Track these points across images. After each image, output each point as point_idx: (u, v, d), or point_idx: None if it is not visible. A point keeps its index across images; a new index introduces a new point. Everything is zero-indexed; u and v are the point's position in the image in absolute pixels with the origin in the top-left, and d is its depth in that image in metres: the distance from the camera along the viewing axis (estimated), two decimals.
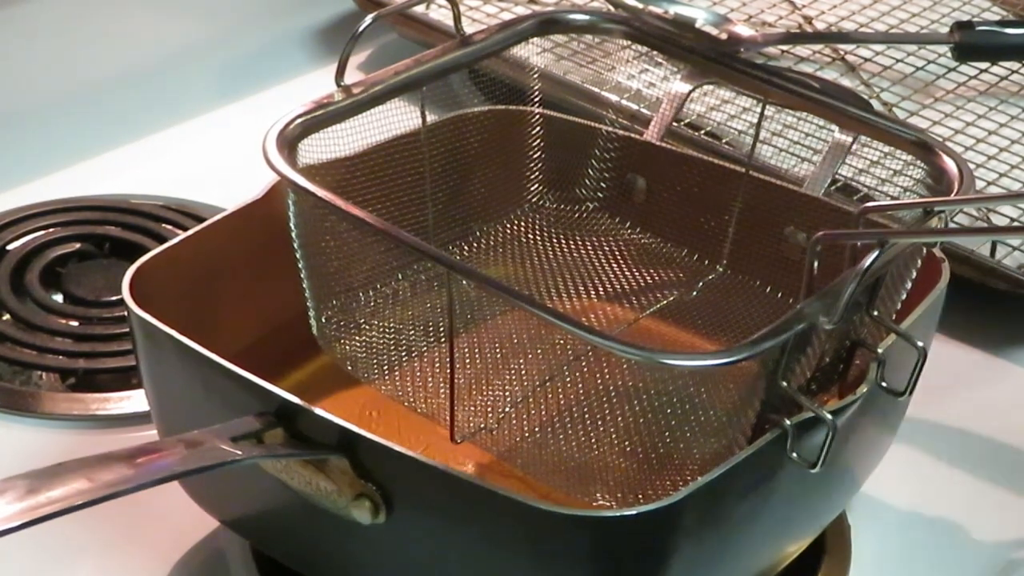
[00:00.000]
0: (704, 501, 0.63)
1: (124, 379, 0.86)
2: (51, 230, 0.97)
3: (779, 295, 0.82)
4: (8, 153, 1.03)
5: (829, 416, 0.65)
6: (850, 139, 0.81)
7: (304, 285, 0.74)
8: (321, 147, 0.75)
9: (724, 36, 0.99)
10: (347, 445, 0.65)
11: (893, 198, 0.83)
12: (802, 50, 1.15)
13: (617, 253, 0.85)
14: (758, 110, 0.83)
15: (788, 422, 0.65)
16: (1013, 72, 1.16)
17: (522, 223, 0.86)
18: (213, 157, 1.06)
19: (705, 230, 0.85)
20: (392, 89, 0.78)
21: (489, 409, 0.71)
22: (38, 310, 0.91)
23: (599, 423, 0.68)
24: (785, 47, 1.14)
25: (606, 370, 0.67)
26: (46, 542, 0.74)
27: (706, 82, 0.86)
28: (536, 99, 0.85)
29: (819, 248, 0.66)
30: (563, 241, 0.85)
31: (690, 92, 0.86)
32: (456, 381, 0.71)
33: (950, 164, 0.75)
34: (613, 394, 0.67)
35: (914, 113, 1.09)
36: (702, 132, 1.00)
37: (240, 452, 0.64)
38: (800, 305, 0.65)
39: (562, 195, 0.87)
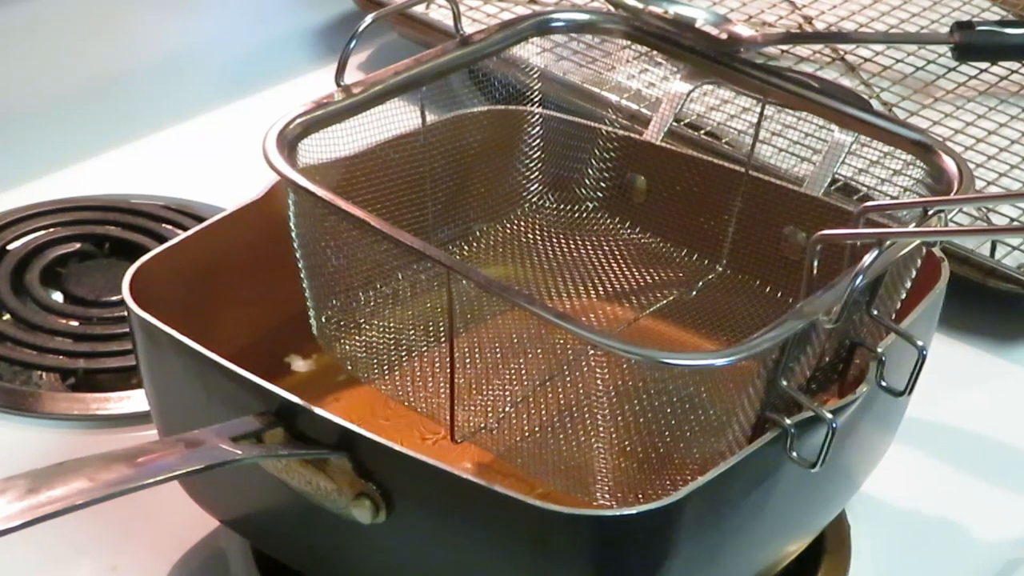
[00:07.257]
0: (704, 501, 0.63)
1: (124, 379, 0.86)
2: (51, 230, 0.97)
3: (779, 294, 0.82)
4: (8, 153, 1.03)
5: (829, 415, 0.65)
6: (850, 139, 0.81)
7: (304, 285, 0.74)
8: (321, 147, 0.75)
9: (724, 36, 0.98)
10: (347, 444, 0.65)
11: (893, 198, 0.83)
12: (802, 50, 1.15)
13: (617, 253, 0.85)
14: (758, 110, 0.83)
15: (788, 421, 0.65)
16: (1013, 72, 1.16)
17: (522, 223, 0.86)
18: (213, 157, 1.06)
19: (705, 230, 0.84)
20: (392, 89, 0.78)
21: (489, 409, 0.71)
22: (38, 310, 0.91)
23: (599, 423, 0.68)
24: (785, 47, 1.14)
25: (606, 370, 0.67)
26: (46, 541, 0.74)
27: (706, 82, 0.86)
28: (536, 99, 0.85)
29: (818, 248, 0.66)
30: (563, 241, 0.85)
31: (690, 92, 0.86)
32: (456, 381, 0.71)
33: (950, 164, 0.75)
34: (613, 394, 0.67)
35: (914, 113, 1.09)
36: (702, 132, 1.01)
37: (240, 452, 0.64)
38: (800, 304, 0.65)
39: (562, 195, 0.87)
